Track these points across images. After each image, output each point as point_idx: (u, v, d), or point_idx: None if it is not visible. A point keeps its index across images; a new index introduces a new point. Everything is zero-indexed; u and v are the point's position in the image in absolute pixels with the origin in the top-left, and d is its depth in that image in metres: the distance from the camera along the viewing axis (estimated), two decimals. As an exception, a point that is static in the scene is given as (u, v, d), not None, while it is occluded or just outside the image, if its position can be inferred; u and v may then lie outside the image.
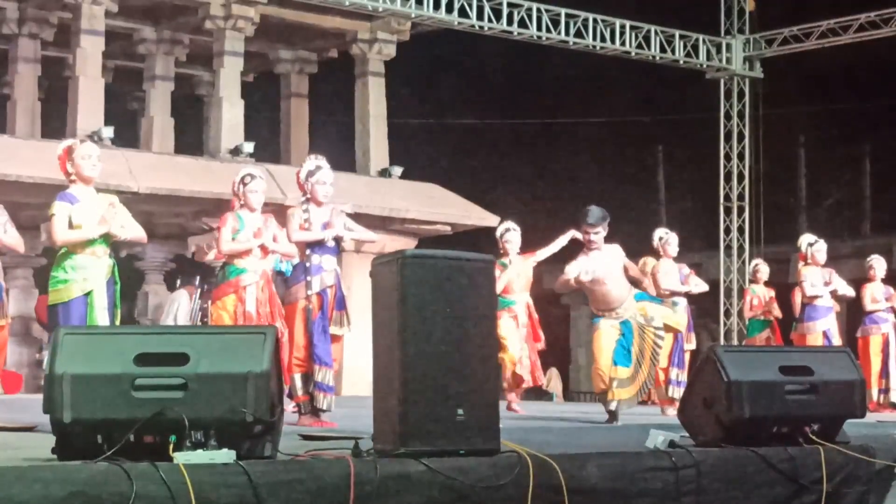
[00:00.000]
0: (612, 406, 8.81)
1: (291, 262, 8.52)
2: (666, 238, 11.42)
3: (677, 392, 10.72)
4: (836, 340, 12.00)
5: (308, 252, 7.95)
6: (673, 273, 11.35)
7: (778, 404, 5.56)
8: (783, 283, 14.53)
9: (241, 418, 4.35)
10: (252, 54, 19.22)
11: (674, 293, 11.14)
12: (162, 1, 18.09)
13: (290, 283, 8.07)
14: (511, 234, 10.77)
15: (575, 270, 8.82)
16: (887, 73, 21.46)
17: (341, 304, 8.06)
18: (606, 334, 8.84)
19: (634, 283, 9.07)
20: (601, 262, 8.85)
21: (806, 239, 12.34)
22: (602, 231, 8.88)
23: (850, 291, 12.41)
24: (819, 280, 12.06)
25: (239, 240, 8.05)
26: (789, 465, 5.44)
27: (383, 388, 4.83)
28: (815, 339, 11.88)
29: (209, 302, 10.14)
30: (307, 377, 7.86)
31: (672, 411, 10.61)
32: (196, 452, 4.22)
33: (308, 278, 7.87)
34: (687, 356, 11.34)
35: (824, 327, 12.02)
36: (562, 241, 10.49)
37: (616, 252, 9.05)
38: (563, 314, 23.74)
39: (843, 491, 5.60)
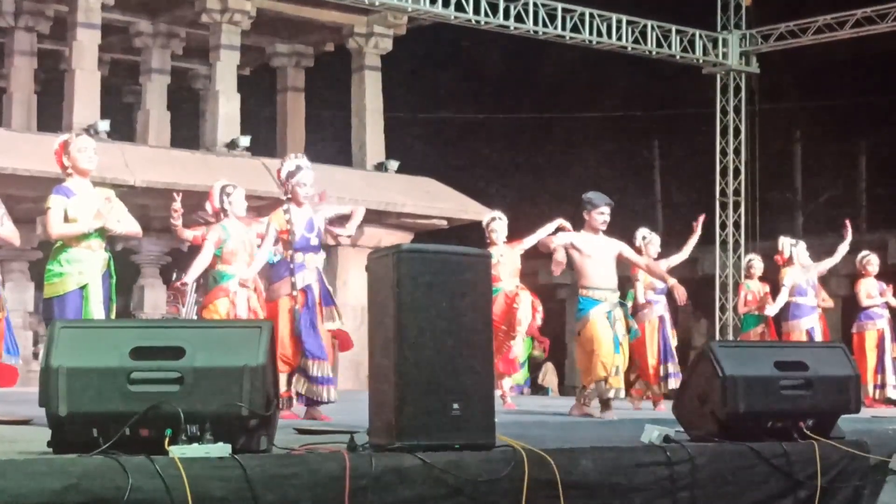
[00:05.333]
0: (611, 394, 8.83)
1: (274, 257, 8.62)
2: (649, 238, 11.54)
3: (676, 383, 10.82)
4: (819, 339, 12.11)
5: (291, 250, 8.00)
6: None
7: (773, 399, 5.57)
8: (778, 279, 14.54)
9: (236, 412, 4.36)
10: (248, 48, 19.22)
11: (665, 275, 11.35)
12: (158, -6, 18.11)
13: (273, 280, 8.13)
14: (497, 223, 10.78)
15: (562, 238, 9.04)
16: (884, 68, 21.49)
17: (329, 299, 8.10)
18: (601, 323, 8.85)
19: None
20: (594, 241, 8.94)
21: (787, 241, 12.47)
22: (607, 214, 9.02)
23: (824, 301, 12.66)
24: (801, 276, 12.20)
25: (226, 249, 8.30)
26: (784, 460, 5.44)
27: (379, 382, 4.84)
28: (798, 337, 12.03)
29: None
30: (289, 375, 7.90)
31: (664, 406, 10.66)
32: (192, 446, 4.22)
33: (292, 276, 7.92)
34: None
35: (808, 326, 12.17)
36: (548, 229, 10.53)
37: (613, 244, 9.12)
38: (558, 309, 23.73)
39: (838, 486, 5.61)
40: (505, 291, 10.31)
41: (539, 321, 11.00)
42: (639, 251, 11.44)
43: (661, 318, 11.44)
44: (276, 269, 8.17)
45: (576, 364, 9.34)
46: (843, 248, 12.47)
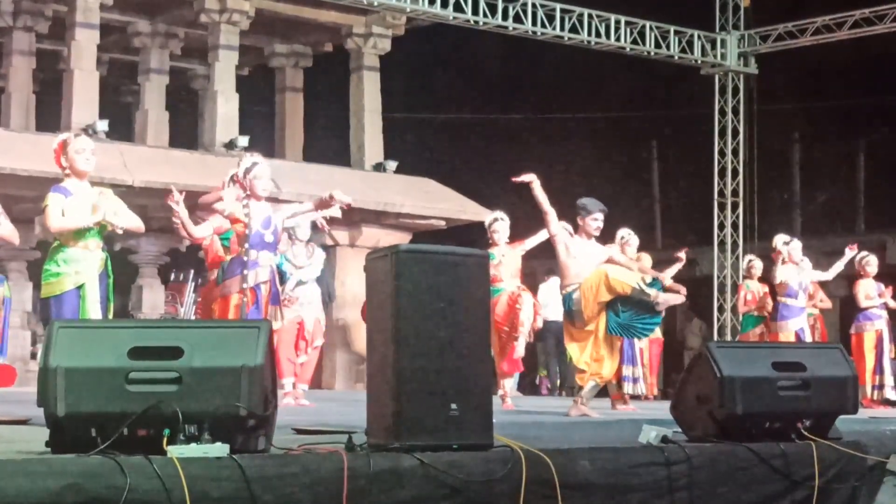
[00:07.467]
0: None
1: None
2: (627, 238, 11.60)
3: (630, 387, 10.94)
4: (808, 339, 12.18)
5: (246, 247, 8.04)
6: None
7: (770, 400, 5.57)
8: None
9: (234, 412, 4.36)
10: (247, 48, 19.23)
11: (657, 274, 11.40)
12: (157, -6, 18.11)
13: (225, 277, 8.17)
14: (499, 223, 10.81)
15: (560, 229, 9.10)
16: (882, 69, 21.47)
17: (276, 299, 8.16)
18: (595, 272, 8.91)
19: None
20: (584, 246, 8.95)
21: (780, 238, 12.52)
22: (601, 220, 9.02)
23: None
24: (794, 278, 12.25)
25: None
26: (781, 460, 5.45)
27: (377, 382, 4.84)
28: (787, 338, 12.09)
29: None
30: None
31: (622, 406, 10.72)
32: (190, 446, 4.23)
33: (245, 272, 7.97)
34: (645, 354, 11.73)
35: (797, 327, 12.22)
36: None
37: (603, 251, 9.16)
38: (557, 309, 23.71)
39: (835, 487, 5.61)
40: (508, 292, 10.33)
41: (540, 323, 11.06)
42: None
43: None
44: (230, 265, 8.21)
45: (572, 362, 9.32)
46: (839, 266, 12.58)
